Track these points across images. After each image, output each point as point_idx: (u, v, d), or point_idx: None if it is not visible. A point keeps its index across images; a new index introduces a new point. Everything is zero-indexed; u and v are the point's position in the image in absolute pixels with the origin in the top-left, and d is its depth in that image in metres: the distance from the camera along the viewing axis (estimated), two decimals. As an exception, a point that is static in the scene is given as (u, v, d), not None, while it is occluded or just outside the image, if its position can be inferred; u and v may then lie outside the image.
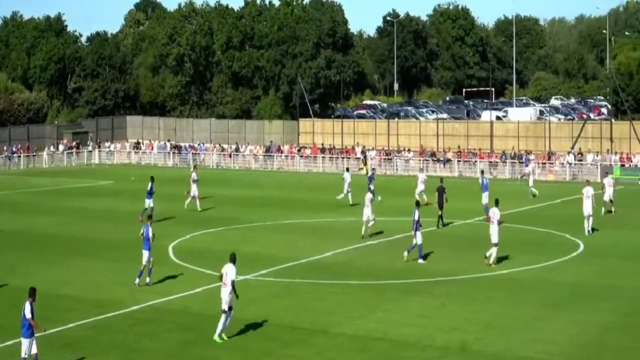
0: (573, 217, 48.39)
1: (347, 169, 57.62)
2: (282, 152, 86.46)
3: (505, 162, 73.94)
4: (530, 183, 58.43)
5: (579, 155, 73.14)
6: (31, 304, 21.67)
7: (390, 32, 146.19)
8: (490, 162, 75.67)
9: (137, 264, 35.34)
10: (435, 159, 77.40)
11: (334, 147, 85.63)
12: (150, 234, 31.83)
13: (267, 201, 56.42)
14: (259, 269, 34.35)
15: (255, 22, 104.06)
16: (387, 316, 27.40)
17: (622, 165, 69.53)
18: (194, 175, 52.18)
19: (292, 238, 42.36)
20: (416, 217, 35.87)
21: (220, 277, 25.36)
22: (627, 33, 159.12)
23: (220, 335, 24.91)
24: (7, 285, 32.54)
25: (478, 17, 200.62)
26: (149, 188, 47.99)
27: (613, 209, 49.17)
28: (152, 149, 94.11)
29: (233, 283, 25.07)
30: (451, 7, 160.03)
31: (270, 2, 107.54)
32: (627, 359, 23.22)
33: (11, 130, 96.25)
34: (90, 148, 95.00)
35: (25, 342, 21.32)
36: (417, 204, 37.55)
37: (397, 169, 77.76)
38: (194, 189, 51.64)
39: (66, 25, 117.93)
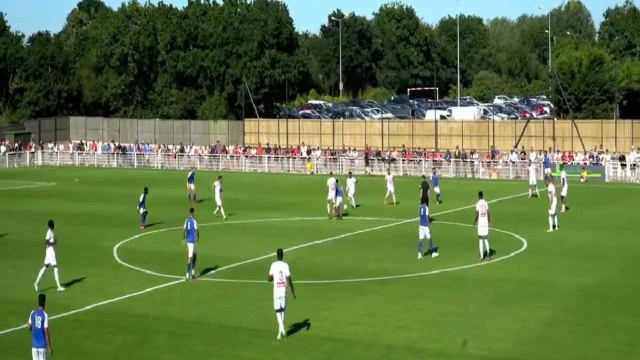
0: (517, 215, 49.00)
1: (350, 173, 56.75)
2: (227, 152, 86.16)
3: (450, 161, 74.42)
4: (533, 182, 58.22)
5: (522, 154, 73.88)
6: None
7: (335, 32, 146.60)
8: (435, 160, 76.09)
9: (82, 267, 34.99)
10: (380, 158, 77.65)
11: (279, 147, 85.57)
12: (196, 226, 32.69)
13: (212, 202, 56.10)
14: (204, 269, 34.20)
15: (200, 21, 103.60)
16: (333, 315, 27.45)
17: (564, 164, 70.30)
18: (217, 185, 50.49)
19: (237, 238, 42.28)
20: (427, 212, 36.58)
21: (271, 278, 24.98)
22: (568, 33, 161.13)
23: (281, 333, 24.90)
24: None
25: (422, 17, 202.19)
26: (141, 200, 46.16)
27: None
28: (96, 149, 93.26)
29: (290, 280, 25.02)
30: (396, 7, 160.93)
31: (214, 2, 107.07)
32: (567, 354, 23.48)
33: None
34: (32, 149, 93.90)
35: (42, 351, 20.79)
36: (424, 199, 37.70)
37: (342, 169, 77.85)
38: (218, 199, 50.06)
39: (8, 25, 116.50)
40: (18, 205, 56.49)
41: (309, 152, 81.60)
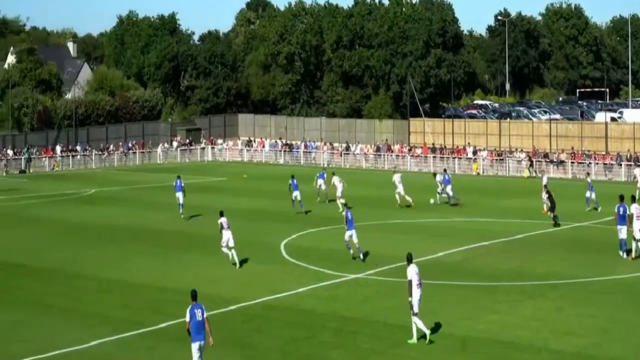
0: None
1: (434, 174, 57.85)
2: (392, 151, 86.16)
3: (621, 165, 72.29)
4: None
5: (698, 158, 71.08)
6: None
7: (502, 31, 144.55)
8: (605, 164, 74.07)
9: (250, 262, 35.56)
10: (548, 160, 76.09)
11: (444, 147, 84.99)
12: (351, 216, 35.83)
13: (375, 201, 56.20)
14: (367, 268, 34.25)
15: (365, 21, 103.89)
16: (500, 318, 26.99)
17: None
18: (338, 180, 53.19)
19: (400, 238, 42.03)
20: (621, 212, 36.07)
21: (410, 283, 24.92)
22: None
23: (421, 338, 24.68)
24: (123, 280, 33.26)
25: (592, 17, 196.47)
26: (294, 183, 50.38)
27: None
28: (264, 146, 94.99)
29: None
30: (564, 6, 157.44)
31: (380, 1, 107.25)
32: None
33: (127, 126, 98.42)
34: (203, 145, 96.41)
35: (204, 345, 21.23)
36: (622, 198, 37.05)
37: (509, 170, 76.71)
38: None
39: (179, 24, 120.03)
40: (189, 199, 57.72)
41: (474, 152, 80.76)
